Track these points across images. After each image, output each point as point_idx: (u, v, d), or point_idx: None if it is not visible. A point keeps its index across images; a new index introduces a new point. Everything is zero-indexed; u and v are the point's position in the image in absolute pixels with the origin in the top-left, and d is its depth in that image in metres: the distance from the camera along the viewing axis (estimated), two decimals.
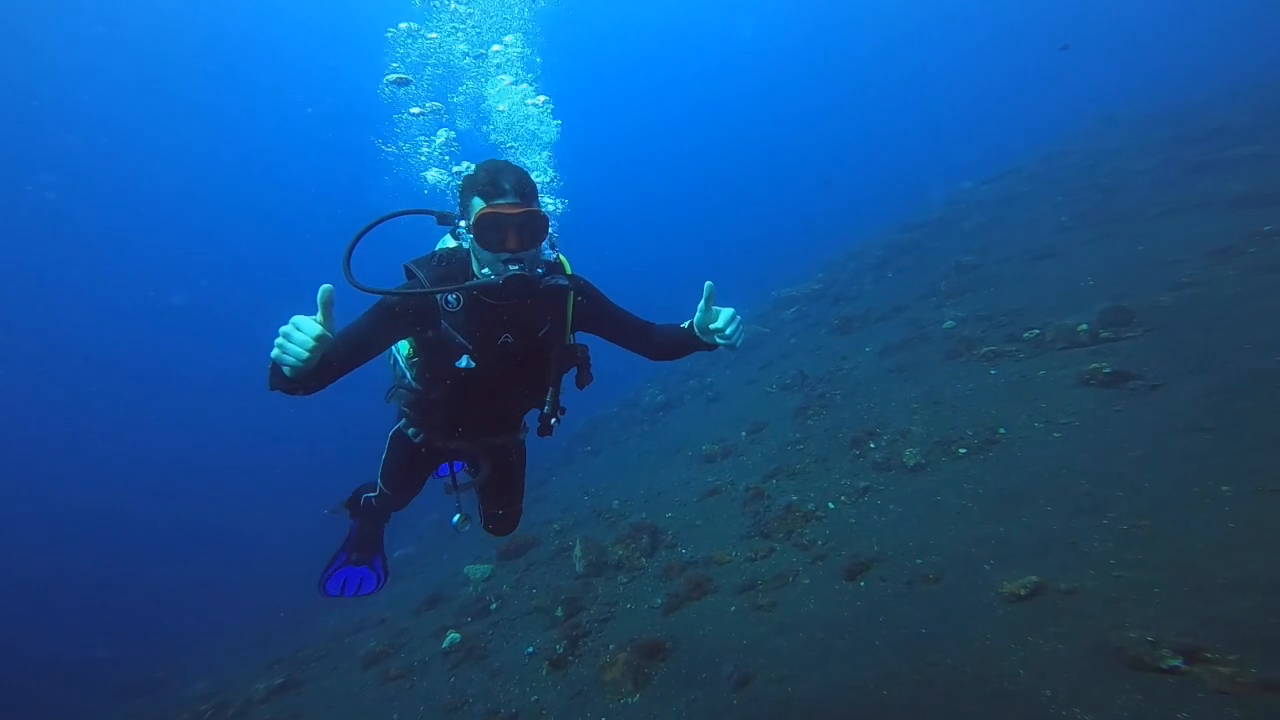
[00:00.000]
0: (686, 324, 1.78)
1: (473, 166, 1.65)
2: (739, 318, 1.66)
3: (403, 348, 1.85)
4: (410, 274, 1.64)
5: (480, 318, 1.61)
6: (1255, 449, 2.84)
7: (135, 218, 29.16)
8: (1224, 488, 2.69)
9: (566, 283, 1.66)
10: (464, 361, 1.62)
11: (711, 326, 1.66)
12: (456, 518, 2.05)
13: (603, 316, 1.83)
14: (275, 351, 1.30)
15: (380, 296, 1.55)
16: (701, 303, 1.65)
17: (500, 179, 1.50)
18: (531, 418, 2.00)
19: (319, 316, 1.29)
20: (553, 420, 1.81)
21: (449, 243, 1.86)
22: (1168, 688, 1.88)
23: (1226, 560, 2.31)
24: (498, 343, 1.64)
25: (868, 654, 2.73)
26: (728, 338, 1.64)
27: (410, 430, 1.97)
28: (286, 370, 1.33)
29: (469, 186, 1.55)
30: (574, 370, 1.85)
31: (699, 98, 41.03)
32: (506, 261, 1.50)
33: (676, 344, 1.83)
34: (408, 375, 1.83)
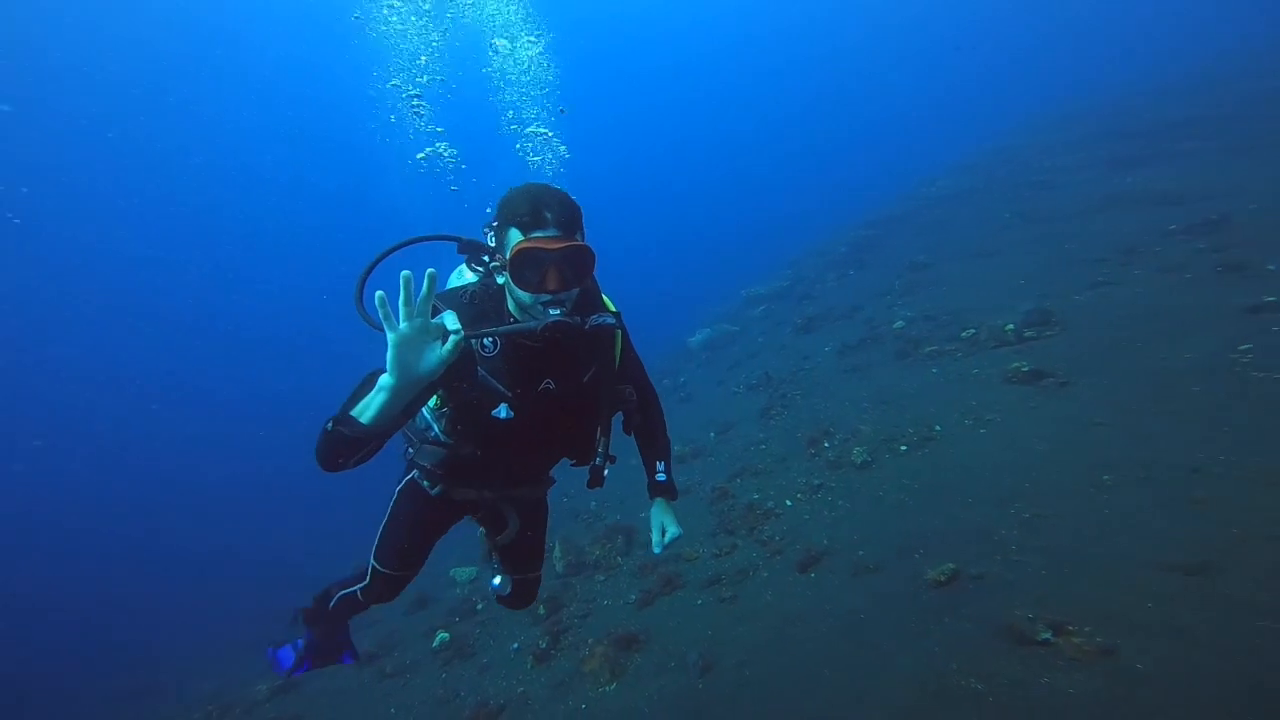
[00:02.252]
0: (658, 475, 1.86)
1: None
2: (676, 540, 1.78)
3: (430, 399, 1.59)
4: (436, 314, 1.56)
5: (519, 362, 1.47)
6: (1136, 442, 3.31)
7: (115, 222, 27.85)
8: (1105, 478, 3.14)
9: (613, 321, 1.53)
10: (503, 411, 1.47)
11: (653, 533, 1.79)
12: (498, 580, 1.86)
13: (626, 363, 1.71)
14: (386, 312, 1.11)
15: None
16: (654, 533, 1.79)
17: (542, 208, 1.32)
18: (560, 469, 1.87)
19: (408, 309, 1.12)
20: (604, 471, 1.67)
21: (465, 275, 1.71)
22: (1038, 658, 2.29)
23: (1099, 543, 2.75)
24: (538, 389, 1.50)
25: (815, 638, 3.11)
26: (658, 542, 1.77)
27: (425, 482, 1.74)
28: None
29: (506, 216, 1.36)
30: (620, 414, 1.74)
31: (670, 97, 40.98)
32: (546, 304, 1.36)
33: (640, 445, 1.90)
34: (435, 428, 1.61)
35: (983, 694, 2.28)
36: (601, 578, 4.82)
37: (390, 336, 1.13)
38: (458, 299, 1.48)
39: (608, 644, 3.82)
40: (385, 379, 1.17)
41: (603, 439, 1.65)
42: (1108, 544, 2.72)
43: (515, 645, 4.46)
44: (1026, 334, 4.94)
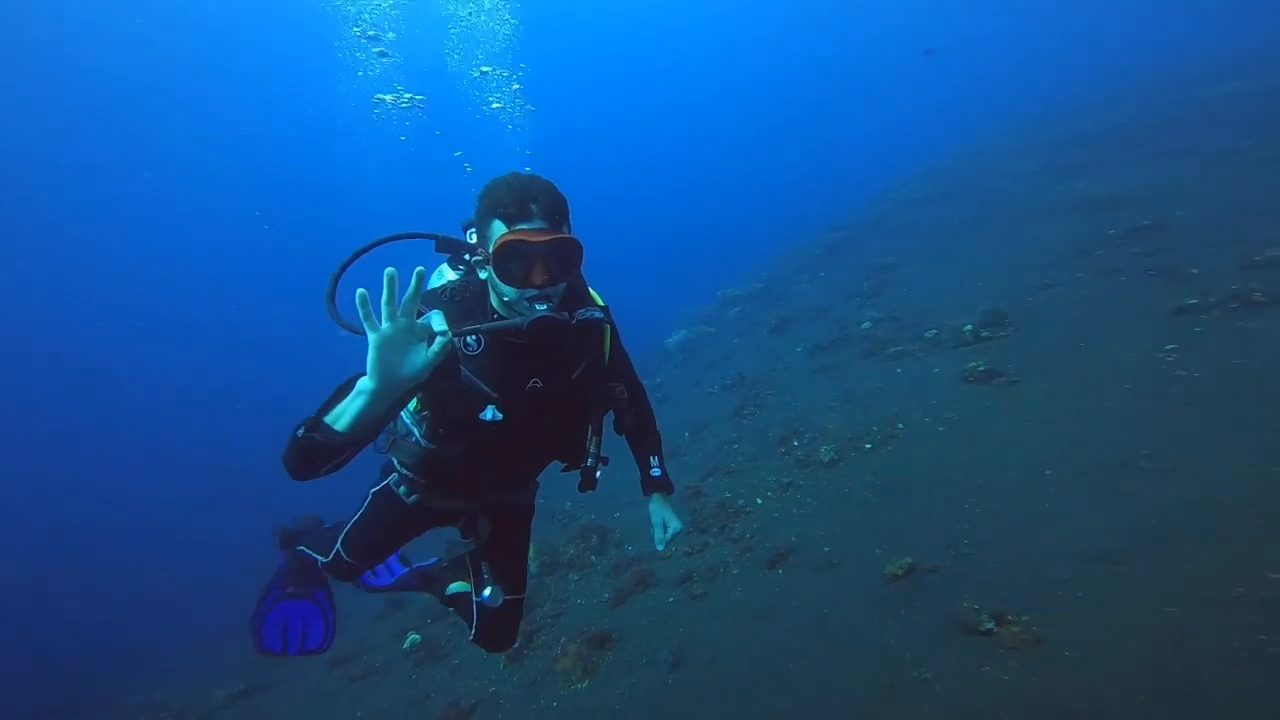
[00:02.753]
0: (652, 470, 1.81)
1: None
2: (679, 534, 1.77)
3: (409, 402, 1.48)
4: (419, 315, 1.49)
5: (505, 361, 1.42)
6: (1074, 438, 3.53)
7: (89, 217, 26.42)
8: (1047, 473, 3.35)
9: (601, 315, 1.46)
10: (489, 413, 1.41)
11: (655, 529, 1.78)
12: (489, 591, 1.72)
13: (615, 360, 1.66)
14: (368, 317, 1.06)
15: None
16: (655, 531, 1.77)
17: (527, 200, 1.27)
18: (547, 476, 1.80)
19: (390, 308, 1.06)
20: (597, 473, 1.60)
21: (446, 274, 1.65)
22: (981, 647, 2.44)
23: (1039, 535, 2.93)
24: (526, 388, 1.45)
25: (781, 634, 3.21)
26: (660, 539, 1.77)
27: (402, 489, 1.67)
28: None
29: (489, 208, 1.31)
30: (611, 414, 1.68)
31: (648, 99, 41.04)
32: (531, 299, 1.30)
33: (632, 443, 1.87)
34: (415, 432, 1.51)
35: (931, 683, 2.42)
36: (575, 577, 4.85)
37: (371, 337, 1.07)
38: (437, 298, 1.42)
39: (580, 642, 3.87)
40: (364, 382, 1.10)
41: (594, 439, 1.59)
42: (1046, 536, 2.90)
43: None
44: (983, 334, 5.17)
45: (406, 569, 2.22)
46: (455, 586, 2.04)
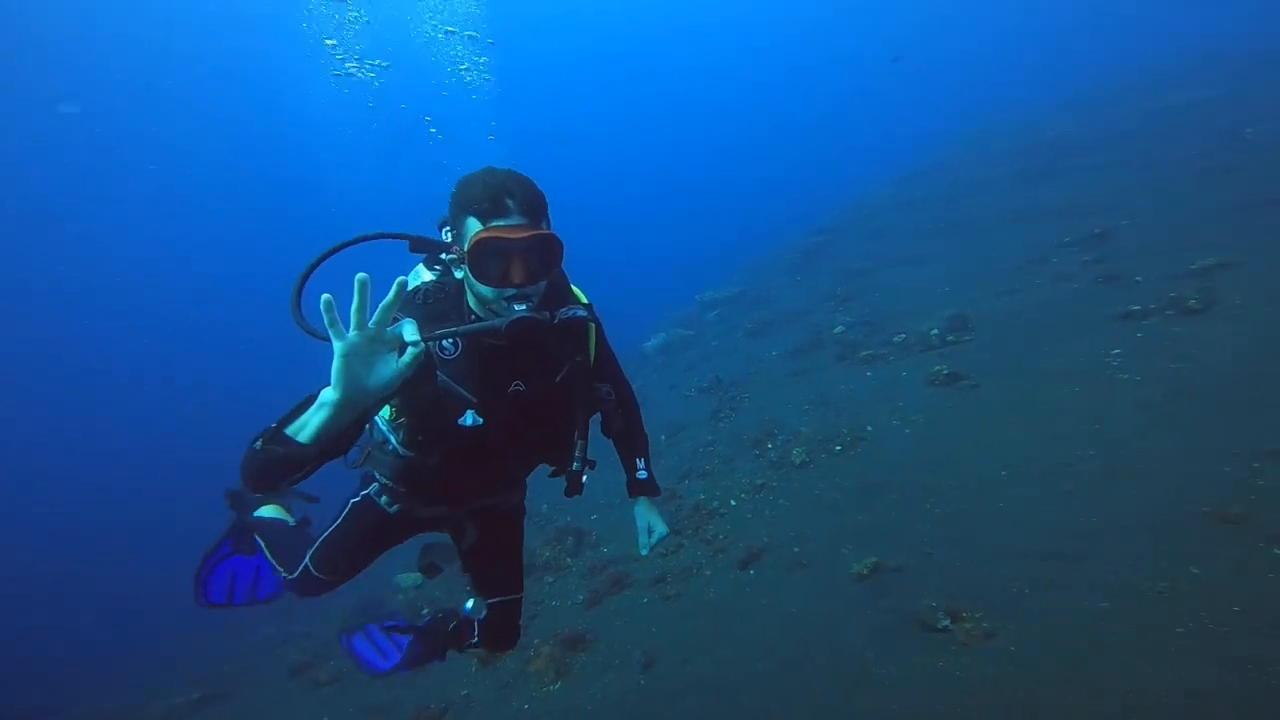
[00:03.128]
0: (639, 473, 1.80)
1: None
2: (663, 538, 1.80)
3: (383, 409, 1.44)
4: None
5: (484, 364, 1.37)
6: (1027, 440, 3.70)
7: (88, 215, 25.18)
8: (1002, 473, 3.50)
9: (585, 314, 1.41)
10: (469, 419, 1.36)
11: (640, 534, 1.79)
12: (470, 603, 1.68)
13: (601, 360, 1.61)
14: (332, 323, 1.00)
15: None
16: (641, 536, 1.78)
17: (503, 195, 1.22)
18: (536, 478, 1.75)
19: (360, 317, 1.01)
20: (583, 477, 1.55)
21: (422, 275, 1.58)
22: (937, 643, 2.55)
23: (995, 534, 3.07)
24: (507, 392, 1.40)
25: (752, 633, 3.28)
26: (645, 544, 1.79)
27: (384, 499, 1.61)
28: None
29: (463, 204, 1.25)
30: (598, 415, 1.64)
31: (636, 99, 41.15)
32: (510, 299, 1.25)
33: (618, 445, 1.85)
34: (392, 440, 1.45)
35: (893, 679, 2.51)
36: (550, 579, 4.85)
37: (337, 346, 1.01)
38: (410, 300, 1.35)
39: (554, 644, 3.87)
40: (328, 393, 1.04)
41: (580, 442, 1.53)
42: (999, 535, 3.04)
43: None
44: (948, 339, 5.36)
45: (409, 637, 2.08)
46: (454, 625, 2.00)
